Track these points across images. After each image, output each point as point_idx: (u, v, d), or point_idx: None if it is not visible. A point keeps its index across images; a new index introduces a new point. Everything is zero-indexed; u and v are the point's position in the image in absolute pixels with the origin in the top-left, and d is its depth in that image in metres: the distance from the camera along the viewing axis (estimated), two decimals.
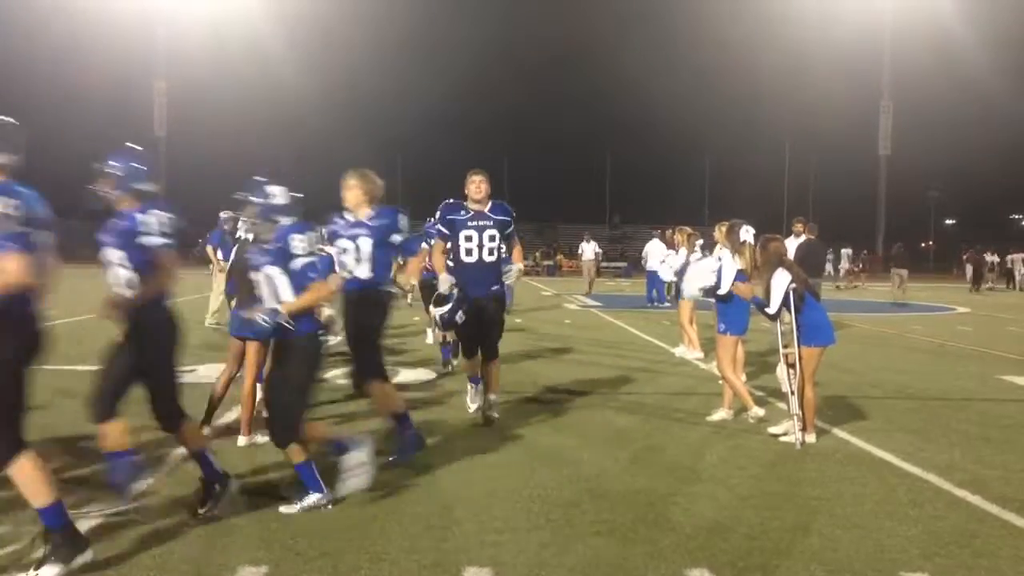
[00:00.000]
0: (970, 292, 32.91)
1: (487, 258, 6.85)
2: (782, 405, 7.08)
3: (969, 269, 37.63)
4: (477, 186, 6.84)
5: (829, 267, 35.77)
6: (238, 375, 6.27)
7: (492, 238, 6.84)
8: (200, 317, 14.10)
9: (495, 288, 6.91)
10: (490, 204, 6.91)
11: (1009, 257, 38.70)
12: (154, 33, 51.48)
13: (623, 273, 45.96)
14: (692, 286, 7.47)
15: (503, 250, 6.99)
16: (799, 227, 13.69)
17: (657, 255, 18.14)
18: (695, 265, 7.99)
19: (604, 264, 42.49)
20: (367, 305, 5.82)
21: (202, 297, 15.55)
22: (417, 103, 70.33)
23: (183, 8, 50.93)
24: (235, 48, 55.55)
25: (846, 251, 37.80)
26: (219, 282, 14.24)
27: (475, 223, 6.83)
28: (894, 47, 52.57)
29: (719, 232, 7.82)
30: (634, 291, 27.56)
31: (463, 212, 6.87)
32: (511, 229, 7.03)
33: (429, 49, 73.46)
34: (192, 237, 31.80)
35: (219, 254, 14.26)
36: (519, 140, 74.65)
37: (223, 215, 14.57)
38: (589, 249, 27.27)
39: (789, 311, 6.45)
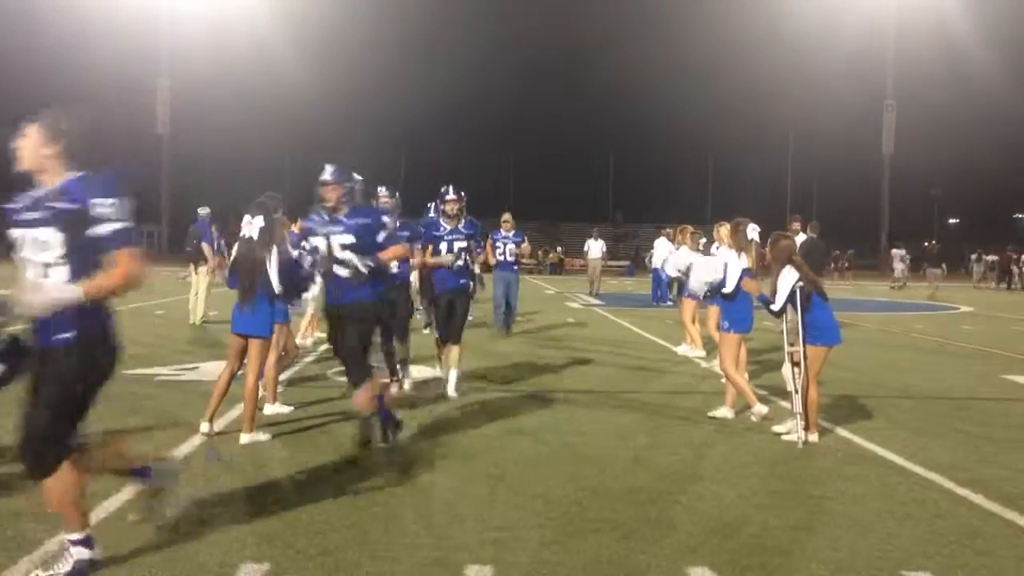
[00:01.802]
0: (1008, 290, 33.59)
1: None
2: (785, 403, 7.07)
3: (975, 268, 37.68)
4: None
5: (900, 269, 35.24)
6: (239, 372, 6.26)
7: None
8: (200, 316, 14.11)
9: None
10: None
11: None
12: (157, 31, 51.53)
13: (626, 272, 45.90)
14: (698, 282, 7.47)
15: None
16: (796, 226, 13.65)
17: (663, 254, 18.07)
18: (700, 261, 7.99)
19: (607, 263, 41.88)
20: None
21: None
22: (420, 101, 70.27)
23: (186, 6, 50.96)
24: (238, 46, 55.58)
25: (899, 252, 36.43)
26: (201, 281, 14.14)
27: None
28: (898, 45, 52.52)
29: (718, 231, 7.82)
30: (636, 290, 27.51)
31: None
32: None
33: (432, 47, 73.43)
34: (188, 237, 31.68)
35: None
36: (522, 138, 74.69)
37: (202, 211, 14.50)
38: (596, 247, 25.65)
39: (795, 309, 6.44)
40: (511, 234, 13.55)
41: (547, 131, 77.47)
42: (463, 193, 8.44)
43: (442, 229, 8.34)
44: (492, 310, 13.83)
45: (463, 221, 8.36)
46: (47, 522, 4.27)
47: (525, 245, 13.59)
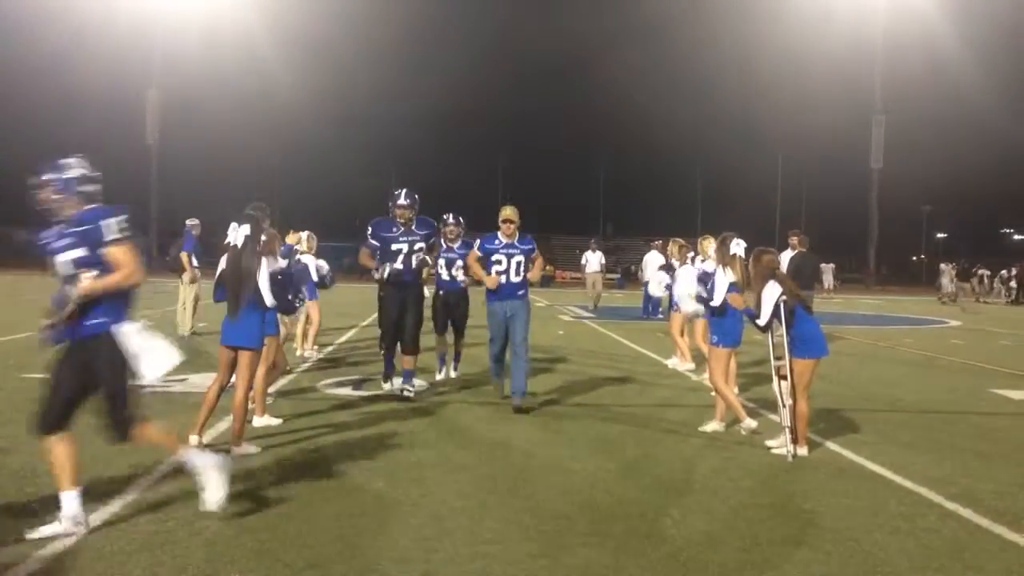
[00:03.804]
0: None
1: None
2: (775, 417, 7.08)
3: (977, 280, 37.93)
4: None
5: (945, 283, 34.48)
6: (229, 385, 6.23)
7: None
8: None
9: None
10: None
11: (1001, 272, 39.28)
12: (147, 41, 51.45)
13: (616, 284, 45.95)
14: (684, 294, 7.49)
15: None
16: (795, 240, 13.68)
17: (654, 267, 18.04)
18: (682, 273, 8.00)
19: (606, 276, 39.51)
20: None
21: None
22: (410, 113, 70.56)
23: (177, 16, 50.94)
24: (228, 56, 55.64)
25: (946, 267, 35.04)
26: (187, 292, 13.98)
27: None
28: (886, 60, 52.87)
29: (702, 245, 7.85)
30: (627, 303, 27.45)
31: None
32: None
33: (424, 60, 73.72)
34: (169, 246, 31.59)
35: (193, 261, 14.01)
36: (511, 150, 74.89)
37: (190, 223, 14.37)
38: (595, 260, 23.96)
39: (780, 323, 6.46)
40: (516, 240, 8.27)
41: (537, 144, 77.81)
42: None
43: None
44: (489, 362, 8.72)
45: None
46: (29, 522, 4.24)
47: (537, 258, 8.39)
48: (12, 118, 54.69)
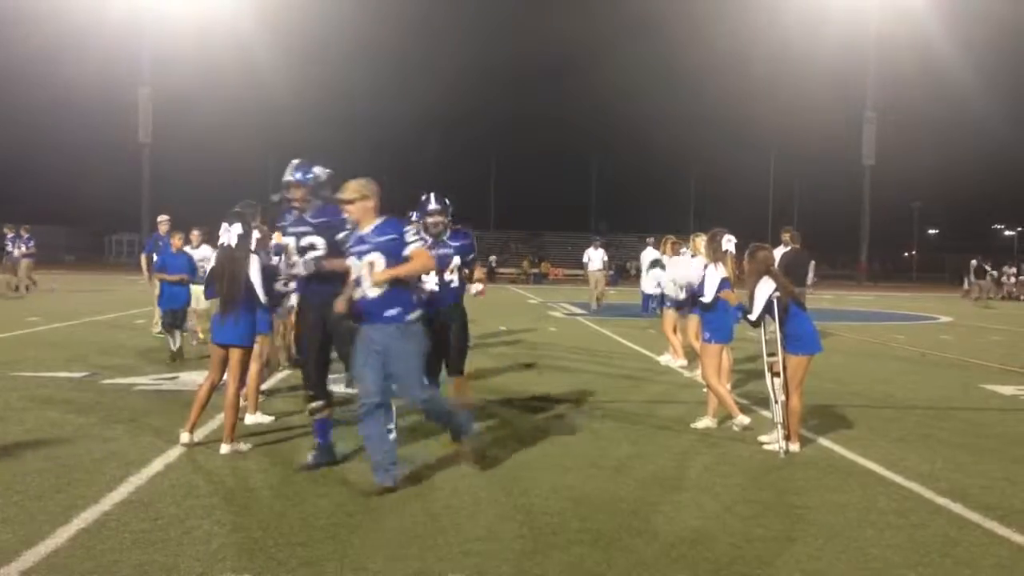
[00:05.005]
0: None
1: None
2: (767, 413, 7.10)
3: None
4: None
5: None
6: (220, 382, 6.22)
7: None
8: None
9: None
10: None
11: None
12: (139, 39, 51.32)
13: (610, 281, 45.94)
14: (670, 281, 7.53)
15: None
16: (787, 237, 13.71)
17: (647, 264, 18.01)
18: (674, 263, 8.05)
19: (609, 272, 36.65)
20: None
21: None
22: (402, 108, 70.52)
23: (169, 14, 50.83)
24: (221, 55, 55.50)
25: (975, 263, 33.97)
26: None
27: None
28: (879, 59, 53.05)
29: (694, 242, 7.88)
30: (620, 299, 27.43)
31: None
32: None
33: (414, 55, 73.69)
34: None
35: (153, 262, 13.54)
36: (505, 148, 74.91)
37: (161, 219, 13.29)
38: (597, 257, 22.82)
39: (773, 319, 6.48)
40: (370, 230, 5.32)
41: (531, 141, 77.85)
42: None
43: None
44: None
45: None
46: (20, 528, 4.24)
47: (416, 257, 5.23)
48: (4, 117, 54.56)
